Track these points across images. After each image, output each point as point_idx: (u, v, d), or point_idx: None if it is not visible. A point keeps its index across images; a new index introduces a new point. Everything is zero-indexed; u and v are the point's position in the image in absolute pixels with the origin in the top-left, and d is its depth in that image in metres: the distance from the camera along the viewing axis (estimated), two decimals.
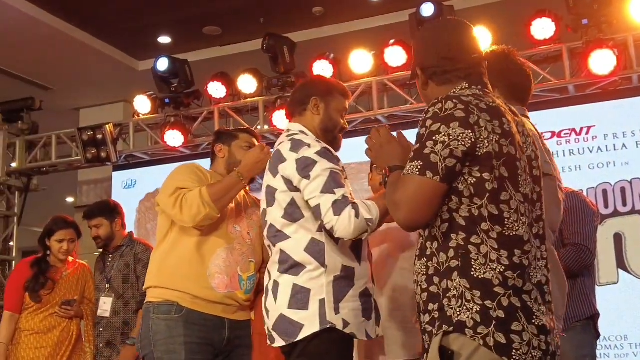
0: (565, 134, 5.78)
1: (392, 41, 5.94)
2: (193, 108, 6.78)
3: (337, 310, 2.53)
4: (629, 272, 5.47)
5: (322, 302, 2.53)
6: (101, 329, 4.50)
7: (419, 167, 1.88)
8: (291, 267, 2.59)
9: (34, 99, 7.38)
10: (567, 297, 3.46)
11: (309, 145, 2.62)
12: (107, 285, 4.50)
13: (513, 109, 2.11)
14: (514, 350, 1.80)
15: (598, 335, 3.68)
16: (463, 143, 1.88)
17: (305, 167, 2.57)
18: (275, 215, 2.64)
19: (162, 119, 6.77)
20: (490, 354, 1.79)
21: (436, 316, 1.90)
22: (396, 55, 5.94)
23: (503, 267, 1.85)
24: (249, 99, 6.54)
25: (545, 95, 5.78)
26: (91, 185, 8.21)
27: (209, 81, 6.52)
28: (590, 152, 5.72)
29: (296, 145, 2.64)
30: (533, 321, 1.85)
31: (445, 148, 1.87)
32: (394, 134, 2.29)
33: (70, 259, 4.57)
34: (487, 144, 1.89)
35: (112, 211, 4.62)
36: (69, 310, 4.35)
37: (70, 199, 12.06)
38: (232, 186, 3.01)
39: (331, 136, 2.78)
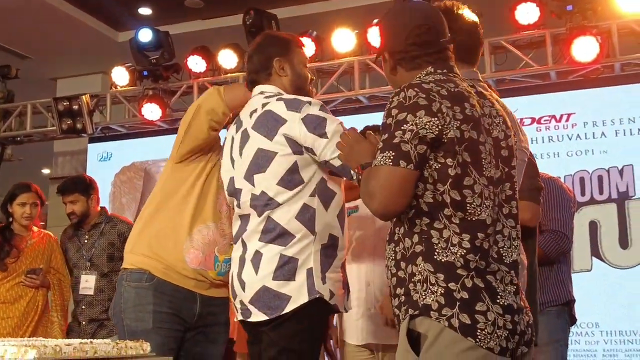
0: (545, 120, 5.78)
1: (375, 21, 5.87)
2: (172, 81, 6.69)
3: (323, 280, 2.48)
4: (602, 260, 5.50)
5: (309, 272, 2.47)
6: (84, 307, 4.49)
7: (391, 157, 1.88)
8: (278, 236, 2.51)
9: (10, 66, 7.25)
10: (543, 283, 3.51)
11: (309, 103, 2.52)
12: (88, 264, 4.47)
13: (480, 90, 2.09)
14: (478, 330, 1.82)
15: (574, 321, 3.70)
16: (431, 131, 1.89)
17: (316, 125, 2.47)
18: (268, 183, 2.52)
19: (140, 92, 6.67)
20: (455, 334, 1.82)
21: (402, 300, 1.94)
22: (379, 36, 5.86)
23: (464, 251, 1.88)
24: (229, 74, 6.46)
25: (527, 80, 5.77)
26: (67, 156, 8.11)
27: (189, 55, 6.43)
28: (570, 139, 5.73)
29: (293, 104, 2.52)
30: (498, 301, 1.87)
31: (414, 137, 1.88)
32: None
33: (35, 228, 4.52)
34: (449, 130, 1.90)
35: (87, 187, 4.60)
36: (35, 279, 4.32)
37: (45, 170, 11.93)
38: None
39: (304, 92, 2.69)
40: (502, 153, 2.03)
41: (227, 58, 6.35)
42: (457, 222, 1.89)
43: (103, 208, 4.73)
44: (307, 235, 2.49)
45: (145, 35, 6.34)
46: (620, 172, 5.54)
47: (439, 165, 1.91)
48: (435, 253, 1.89)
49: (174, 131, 6.76)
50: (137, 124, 6.96)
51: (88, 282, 4.44)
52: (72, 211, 4.50)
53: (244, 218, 2.60)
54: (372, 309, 3.17)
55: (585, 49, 5.25)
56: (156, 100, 6.50)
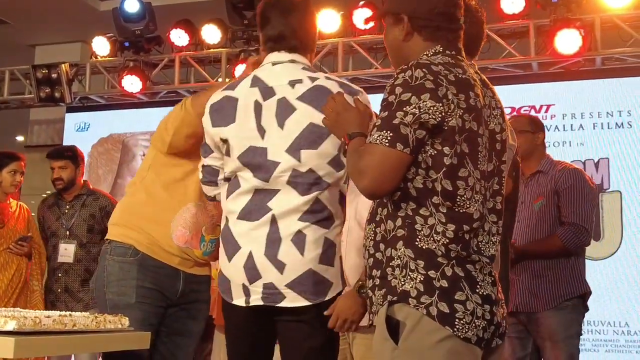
0: (525, 110, 5.82)
1: (361, 2, 5.87)
2: (153, 54, 6.62)
3: (342, 269, 2.46)
4: None
5: (340, 260, 2.42)
6: (60, 275, 4.50)
7: (389, 137, 1.83)
8: (325, 218, 2.37)
9: None
10: (558, 276, 3.55)
11: (362, 92, 2.44)
12: (67, 232, 4.49)
13: (484, 78, 2.07)
14: (457, 320, 1.80)
15: (586, 310, 3.74)
16: (434, 117, 1.83)
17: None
18: (319, 161, 2.35)
19: (121, 63, 6.60)
20: (433, 323, 1.79)
21: (377, 283, 1.91)
22: (365, 17, 5.86)
23: (447, 240, 1.85)
24: (212, 50, 6.42)
25: (509, 70, 5.81)
26: (42, 125, 8.01)
27: (172, 28, 6.37)
28: (548, 130, 5.72)
29: (347, 87, 2.41)
30: (477, 290, 1.85)
31: (415, 120, 1.82)
32: (351, 100, 2.23)
33: (11, 200, 4.51)
34: (451, 118, 1.85)
35: (77, 157, 4.69)
36: (24, 247, 4.34)
37: (20, 138, 11.78)
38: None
39: None
40: (496, 146, 1.99)
41: (211, 33, 6.30)
42: (444, 211, 1.86)
43: (86, 181, 4.81)
44: (341, 222, 2.44)
45: (131, 5, 6.26)
46: (596, 164, 5.62)
47: (435, 152, 1.86)
48: (417, 239, 1.85)
49: (153, 104, 6.80)
50: (116, 95, 6.89)
51: (67, 251, 4.48)
52: (59, 177, 4.56)
53: (267, 193, 2.39)
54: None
55: (568, 41, 5.30)
56: (137, 73, 6.44)
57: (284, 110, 2.39)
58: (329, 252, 2.37)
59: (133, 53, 6.50)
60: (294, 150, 2.37)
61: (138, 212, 2.88)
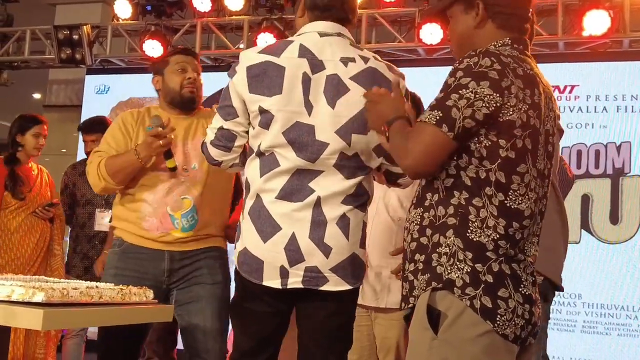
0: None
1: None
2: (175, 19, 6.58)
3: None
4: (591, 234, 5.57)
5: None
6: (97, 242, 4.54)
7: (438, 117, 1.81)
8: (364, 202, 2.38)
9: None
10: None
11: (403, 75, 2.41)
12: (103, 202, 4.55)
13: (545, 80, 2.03)
14: (498, 316, 1.81)
15: (553, 295, 3.73)
16: (487, 105, 1.80)
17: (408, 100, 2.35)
18: (366, 147, 2.33)
19: (142, 27, 6.57)
20: (475, 316, 1.80)
21: (420, 267, 1.90)
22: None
23: (498, 235, 1.84)
24: (234, 17, 6.37)
25: (534, 48, 5.69)
26: (61, 85, 8.00)
27: None
28: (571, 111, 5.73)
29: (396, 71, 2.40)
30: (520, 289, 1.86)
31: (468, 106, 1.80)
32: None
33: (32, 162, 4.52)
34: (512, 112, 1.82)
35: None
36: (49, 212, 4.35)
37: (36, 95, 11.79)
38: (128, 164, 2.86)
39: None
40: (548, 148, 1.97)
41: (234, 0, 6.24)
42: (497, 204, 1.85)
43: None
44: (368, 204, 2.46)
45: None
46: (618, 148, 5.57)
47: (489, 144, 1.84)
48: (469, 230, 1.84)
49: None
50: (136, 59, 6.87)
51: (105, 219, 4.50)
52: (92, 150, 4.55)
53: (309, 173, 2.32)
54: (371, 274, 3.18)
55: (596, 22, 5.23)
56: (158, 37, 6.41)
57: (336, 88, 2.31)
58: (364, 235, 2.38)
59: (155, 17, 6.47)
60: (344, 133, 2.30)
61: (121, 208, 2.98)
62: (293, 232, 2.30)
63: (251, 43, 6.21)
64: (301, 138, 2.30)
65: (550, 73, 5.72)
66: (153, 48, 6.42)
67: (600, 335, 5.39)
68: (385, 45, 6.05)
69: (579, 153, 5.66)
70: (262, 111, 2.31)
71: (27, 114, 4.53)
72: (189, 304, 2.90)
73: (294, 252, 2.30)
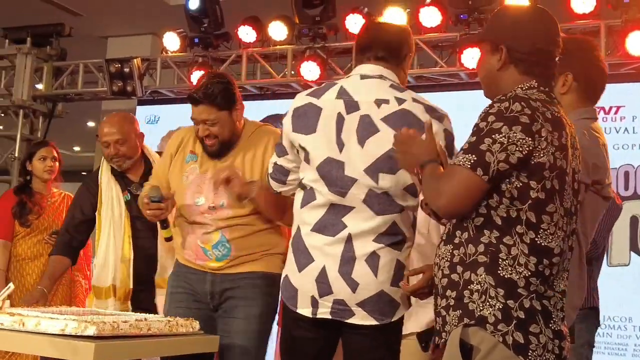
0: None
1: (428, 0, 5.85)
2: (222, 50, 6.74)
3: None
4: None
5: None
6: None
7: (472, 160, 1.88)
8: (399, 241, 2.43)
9: (64, 25, 7.35)
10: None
11: (447, 115, 2.47)
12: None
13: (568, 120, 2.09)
14: (530, 351, 1.86)
15: (598, 324, 3.70)
16: (520, 149, 1.87)
17: (451, 144, 2.43)
18: (396, 187, 2.40)
19: (190, 58, 6.75)
20: (507, 351, 1.85)
21: (452, 304, 1.96)
22: (431, 16, 5.84)
23: (529, 272, 1.90)
24: (278, 46, 6.50)
25: None
26: None
27: (240, 25, 6.46)
28: (617, 132, 5.67)
29: (434, 111, 2.45)
30: (550, 325, 1.91)
31: (502, 150, 1.87)
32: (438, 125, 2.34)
33: (55, 190, 4.54)
34: (542, 155, 1.89)
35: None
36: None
37: (90, 123, 12.15)
38: None
39: None
40: (574, 186, 2.03)
41: (278, 30, 6.37)
42: (528, 242, 1.90)
43: None
44: (411, 243, 2.50)
45: (193, 2, 6.39)
46: None
47: (521, 185, 1.90)
48: (500, 268, 1.90)
49: None
50: (185, 89, 7.02)
51: None
52: None
53: (342, 209, 2.42)
54: None
55: (639, 42, 5.18)
56: (205, 68, 6.55)
57: (367, 128, 2.42)
58: (399, 274, 2.43)
59: (202, 49, 6.64)
60: (372, 171, 2.40)
61: (175, 232, 3.12)
62: (324, 265, 2.42)
63: (295, 71, 6.33)
64: (331, 173, 2.43)
65: None
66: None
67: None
68: (427, 70, 6.10)
69: (627, 174, 5.59)
70: (302, 148, 2.49)
71: (34, 142, 4.58)
72: (222, 336, 2.93)
73: (323, 285, 2.42)
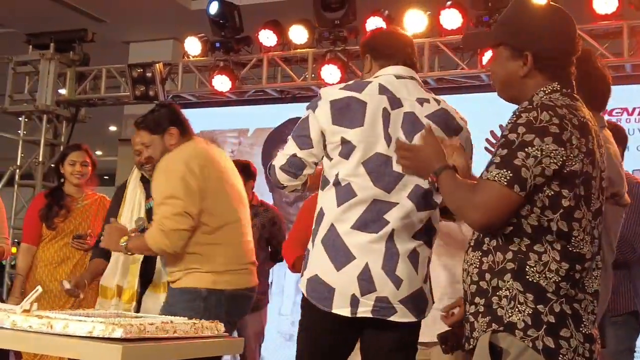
0: (617, 112, 5.68)
1: (449, 3, 5.85)
2: (243, 54, 6.78)
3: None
4: None
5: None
6: None
7: (508, 177, 1.85)
8: (431, 239, 2.49)
9: (87, 30, 7.43)
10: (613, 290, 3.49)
11: (464, 121, 2.59)
12: None
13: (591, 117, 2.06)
14: (560, 355, 1.85)
15: (639, 328, 3.67)
16: (555, 161, 1.85)
17: (472, 152, 2.54)
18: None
19: (212, 63, 6.80)
20: (538, 356, 1.84)
21: (481, 310, 1.95)
22: (452, 18, 5.84)
23: (559, 277, 1.88)
24: (298, 50, 6.52)
25: None
26: None
27: (261, 29, 6.50)
28: None
29: (463, 118, 2.58)
30: (581, 329, 1.89)
31: (537, 164, 1.84)
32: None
33: (89, 192, 4.53)
34: (574, 163, 1.87)
35: None
36: (82, 244, 4.33)
37: (112, 128, 12.25)
38: None
39: None
40: (602, 184, 2.01)
41: (298, 34, 6.40)
42: (559, 249, 1.89)
43: None
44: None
45: (213, 7, 6.44)
46: None
47: (552, 193, 1.88)
48: (528, 274, 1.88)
49: (242, 102, 6.98)
50: (206, 94, 7.09)
51: None
52: None
53: (385, 204, 2.43)
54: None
55: None
56: (226, 72, 6.61)
57: (413, 124, 2.45)
58: (429, 271, 2.47)
59: (223, 53, 6.68)
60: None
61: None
62: (367, 262, 2.39)
63: (316, 75, 6.36)
64: (379, 168, 2.42)
65: (618, 95, 5.59)
66: (222, 83, 6.63)
67: None
68: (448, 72, 6.10)
69: None
70: (344, 142, 2.44)
71: (70, 144, 4.59)
72: None
73: (366, 282, 2.38)
